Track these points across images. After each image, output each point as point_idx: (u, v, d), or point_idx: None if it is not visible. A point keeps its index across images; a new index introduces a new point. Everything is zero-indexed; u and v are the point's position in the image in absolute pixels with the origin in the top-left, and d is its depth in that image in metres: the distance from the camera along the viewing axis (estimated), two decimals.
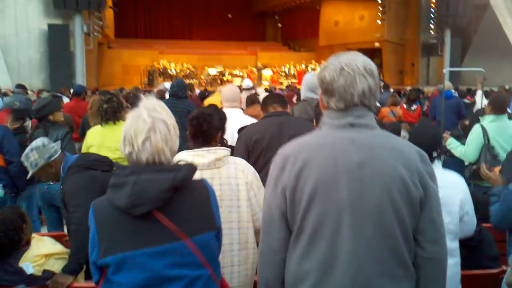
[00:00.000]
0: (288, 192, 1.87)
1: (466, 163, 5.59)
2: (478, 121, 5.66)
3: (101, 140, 4.73)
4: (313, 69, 29.80)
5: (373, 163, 1.81)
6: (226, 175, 2.86)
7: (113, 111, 4.73)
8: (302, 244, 1.88)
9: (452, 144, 5.66)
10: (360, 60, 1.87)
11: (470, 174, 5.39)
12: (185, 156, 2.85)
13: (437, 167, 3.17)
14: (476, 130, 5.41)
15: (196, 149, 2.87)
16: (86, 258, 3.48)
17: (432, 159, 3.14)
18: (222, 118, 3.45)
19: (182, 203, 1.95)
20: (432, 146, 3.17)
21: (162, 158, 1.95)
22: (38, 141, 3.65)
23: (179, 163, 2.77)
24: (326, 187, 1.82)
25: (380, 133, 1.91)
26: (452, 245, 3.07)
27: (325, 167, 1.83)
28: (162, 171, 1.91)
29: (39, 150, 3.57)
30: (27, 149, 3.60)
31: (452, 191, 3.05)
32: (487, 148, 5.29)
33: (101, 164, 3.67)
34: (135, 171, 1.90)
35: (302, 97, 4.83)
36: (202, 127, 2.89)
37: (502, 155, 5.19)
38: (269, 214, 1.95)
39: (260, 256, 2.03)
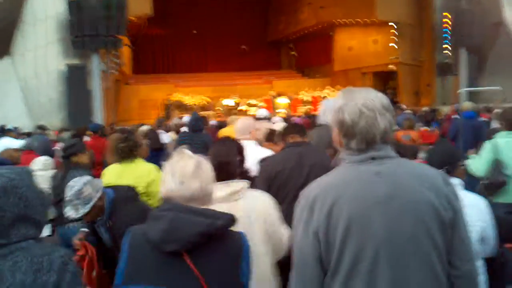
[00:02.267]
0: (321, 233, 1.86)
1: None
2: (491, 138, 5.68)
3: (118, 178, 4.75)
4: (328, 95, 29.90)
5: (402, 193, 1.81)
6: (243, 209, 2.83)
7: (129, 149, 4.78)
8: (340, 281, 1.85)
9: (470, 160, 5.65)
10: (376, 98, 1.88)
11: (480, 188, 5.38)
12: None
13: (457, 188, 3.16)
14: (487, 145, 5.45)
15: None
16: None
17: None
18: (240, 150, 3.42)
19: (214, 253, 1.93)
20: (437, 162, 3.21)
21: (210, 188, 2.04)
22: (84, 177, 3.43)
23: None
24: (359, 223, 1.81)
25: (401, 161, 1.92)
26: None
27: (355, 203, 1.82)
28: (201, 215, 1.92)
29: (92, 184, 3.35)
30: (77, 186, 3.30)
31: (470, 210, 3.01)
32: (496, 163, 5.28)
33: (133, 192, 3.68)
34: (176, 208, 1.93)
35: (320, 122, 4.82)
36: (221, 176, 2.84)
37: None
38: (301, 258, 1.92)
39: None
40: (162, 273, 1.90)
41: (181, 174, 2.00)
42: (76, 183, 3.33)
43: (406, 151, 4.33)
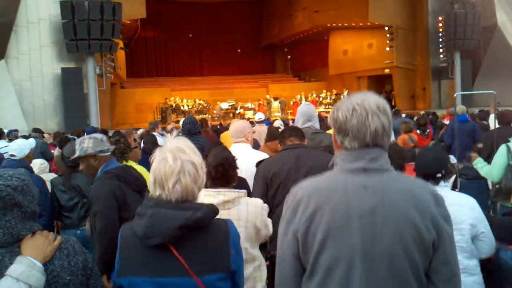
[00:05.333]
0: (300, 235, 1.87)
1: (490, 184, 5.57)
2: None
3: None
4: (325, 99, 29.96)
5: (385, 209, 1.80)
6: (235, 217, 2.89)
7: (120, 152, 4.76)
8: (314, 286, 1.87)
9: (478, 163, 5.63)
10: (372, 99, 1.88)
11: (494, 192, 5.38)
12: None
13: (444, 189, 3.26)
14: (501, 150, 5.37)
15: (207, 189, 2.92)
16: (109, 262, 3.56)
17: (436, 180, 3.27)
18: None
19: (197, 242, 1.99)
20: (434, 168, 3.28)
21: (190, 197, 2.03)
22: (98, 135, 3.91)
23: None
24: (337, 232, 1.81)
25: (393, 176, 1.90)
26: (469, 263, 3.14)
27: (337, 212, 1.82)
28: (181, 209, 1.97)
29: (95, 141, 3.76)
30: (85, 136, 3.82)
31: (460, 209, 3.11)
32: (510, 168, 5.24)
33: (134, 181, 3.84)
34: (157, 204, 1.99)
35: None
36: (228, 172, 2.97)
37: None
38: (281, 255, 1.96)
39: None
40: (151, 266, 1.98)
41: (160, 186, 2.01)
42: (91, 136, 3.81)
43: (407, 155, 4.38)
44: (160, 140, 8.73)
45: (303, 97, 30.53)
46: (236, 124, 5.03)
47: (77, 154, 3.76)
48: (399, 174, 1.96)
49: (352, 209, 1.81)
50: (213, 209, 2.04)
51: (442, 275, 1.86)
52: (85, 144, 3.73)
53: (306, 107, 5.06)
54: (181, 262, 1.95)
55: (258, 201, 3.09)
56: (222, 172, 2.98)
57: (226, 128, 10.18)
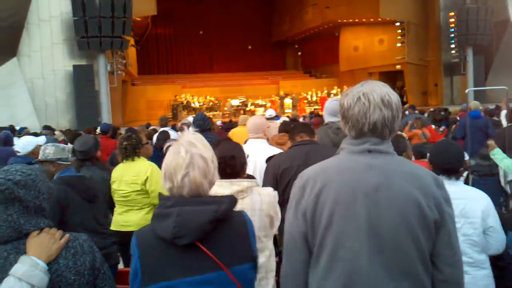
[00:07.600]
0: (308, 213, 1.92)
1: (510, 178, 5.50)
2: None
3: (121, 175, 4.96)
4: (336, 95, 29.89)
5: (389, 187, 1.86)
6: (249, 207, 2.89)
7: (132, 148, 4.94)
8: (322, 265, 1.90)
9: (497, 155, 5.47)
10: (378, 91, 1.91)
11: (508, 186, 5.33)
12: None
13: (459, 183, 3.27)
14: None
15: (220, 180, 2.90)
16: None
17: (458, 175, 3.27)
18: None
19: (223, 235, 1.97)
20: (459, 163, 3.27)
21: (201, 191, 2.00)
22: (62, 145, 4.14)
23: None
24: (344, 208, 1.87)
25: (397, 159, 1.96)
26: (480, 257, 3.15)
27: (343, 189, 1.88)
28: (205, 203, 1.95)
29: (57, 149, 4.01)
30: (49, 144, 4.11)
31: (473, 203, 3.14)
32: None
33: (85, 190, 3.92)
34: (178, 203, 1.95)
35: (325, 122, 4.84)
36: (225, 171, 2.93)
37: None
38: (290, 237, 2.00)
39: (282, 278, 2.06)
40: (181, 266, 1.92)
41: (170, 179, 1.99)
42: (54, 144, 4.12)
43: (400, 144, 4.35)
44: (173, 134, 8.77)
45: (313, 94, 30.43)
46: (254, 120, 5.06)
47: (39, 157, 4.03)
48: (402, 158, 2.01)
49: (358, 186, 1.87)
50: (234, 200, 2.03)
51: (446, 258, 1.89)
52: (47, 151, 3.99)
53: (332, 103, 5.00)
54: (211, 257, 1.91)
55: (270, 190, 3.10)
56: (219, 170, 2.95)
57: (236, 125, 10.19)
